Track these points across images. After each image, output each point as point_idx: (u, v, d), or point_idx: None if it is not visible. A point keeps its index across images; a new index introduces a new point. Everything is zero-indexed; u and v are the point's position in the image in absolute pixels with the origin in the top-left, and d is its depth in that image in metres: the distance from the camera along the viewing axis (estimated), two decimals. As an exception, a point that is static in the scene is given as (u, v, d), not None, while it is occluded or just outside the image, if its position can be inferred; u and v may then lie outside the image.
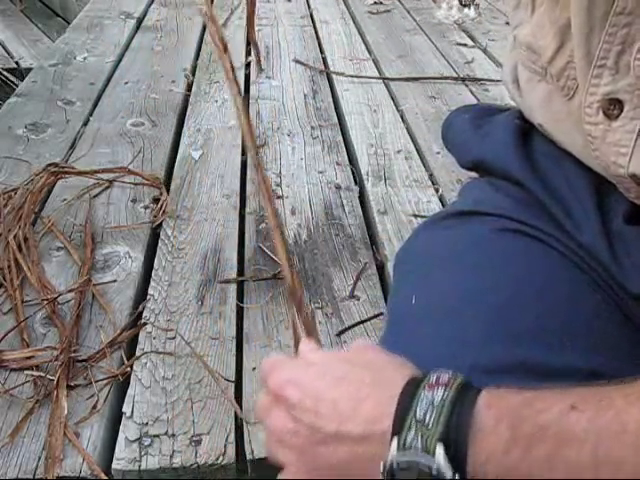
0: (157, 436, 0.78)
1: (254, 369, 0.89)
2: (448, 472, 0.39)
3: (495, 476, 0.39)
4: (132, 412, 0.81)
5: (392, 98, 1.76)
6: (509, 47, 0.65)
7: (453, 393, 0.40)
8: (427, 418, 0.39)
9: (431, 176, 1.39)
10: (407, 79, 1.87)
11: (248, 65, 1.95)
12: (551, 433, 0.38)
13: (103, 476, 0.74)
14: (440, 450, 0.39)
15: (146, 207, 1.23)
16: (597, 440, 0.37)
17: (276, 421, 0.46)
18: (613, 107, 0.49)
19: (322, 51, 2.09)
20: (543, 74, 0.58)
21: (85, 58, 1.95)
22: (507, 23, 0.66)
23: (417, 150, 1.50)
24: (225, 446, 0.77)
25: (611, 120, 0.49)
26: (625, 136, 0.49)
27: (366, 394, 0.43)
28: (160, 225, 1.19)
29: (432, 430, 0.39)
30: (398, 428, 0.40)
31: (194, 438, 0.78)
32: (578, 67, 0.51)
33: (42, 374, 0.84)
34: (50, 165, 1.33)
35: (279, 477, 0.47)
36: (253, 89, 1.79)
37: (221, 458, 0.76)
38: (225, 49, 0.55)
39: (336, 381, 0.44)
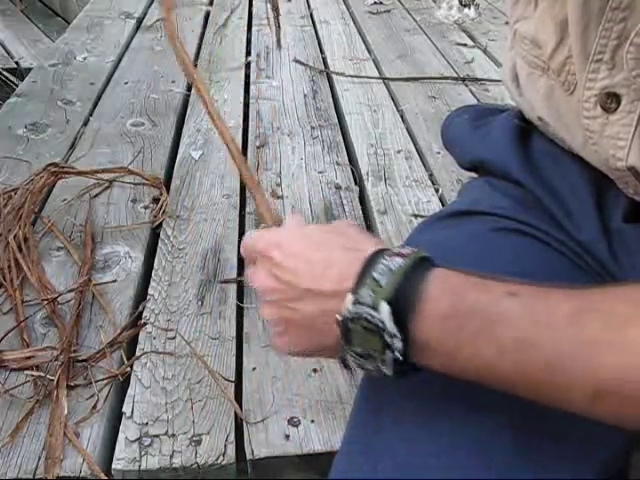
0: (157, 436, 0.78)
1: (254, 369, 0.89)
2: (390, 327, 0.44)
3: (430, 344, 0.44)
4: (132, 412, 0.81)
5: (392, 98, 1.76)
6: (508, 46, 0.65)
7: (409, 263, 0.45)
8: (381, 280, 0.45)
9: (431, 176, 1.39)
10: (407, 79, 1.87)
11: (248, 65, 1.95)
12: (484, 312, 0.42)
13: (103, 476, 0.74)
14: (385, 307, 0.44)
15: (146, 207, 1.23)
16: (524, 325, 0.41)
17: (261, 280, 0.52)
18: (610, 101, 0.49)
19: (322, 51, 2.09)
20: (545, 68, 0.58)
21: (85, 58, 1.95)
22: (507, 23, 0.66)
23: (417, 150, 1.50)
24: (225, 446, 0.77)
25: (609, 114, 0.50)
26: (623, 129, 0.49)
27: (338, 257, 0.49)
28: (160, 225, 1.19)
29: (383, 289, 0.44)
30: (356, 286, 0.46)
31: (194, 438, 0.78)
32: (576, 62, 0.51)
33: (42, 374, 0.84)
34: (50, 165, 1.33)
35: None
36: (253, 89, 1.79)
37: (221, 458, 0.76)
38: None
39: (315, 246, 0.51)
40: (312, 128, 1.59)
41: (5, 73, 2.57)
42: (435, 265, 0.46)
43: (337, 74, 1.89)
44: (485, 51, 2.11)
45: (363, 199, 1.32)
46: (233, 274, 1.07)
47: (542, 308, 0.41)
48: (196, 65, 1.95)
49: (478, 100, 1.75)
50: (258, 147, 1.49)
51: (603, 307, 0.40)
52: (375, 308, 0.44)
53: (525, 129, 0.65)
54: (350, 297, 0.45)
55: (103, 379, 0.85)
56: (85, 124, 1.56)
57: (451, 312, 0.43)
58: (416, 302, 0.44)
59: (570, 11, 0.50)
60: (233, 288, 1.04)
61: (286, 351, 0.54)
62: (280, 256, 0.51)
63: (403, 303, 0.44)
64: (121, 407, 0.82)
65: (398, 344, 0.44)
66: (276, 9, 1.84)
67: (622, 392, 0.38)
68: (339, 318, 0.46)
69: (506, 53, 0.66)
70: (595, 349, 0.39)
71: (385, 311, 0.44)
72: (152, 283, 1.04)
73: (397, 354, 0.44)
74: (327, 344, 0.49)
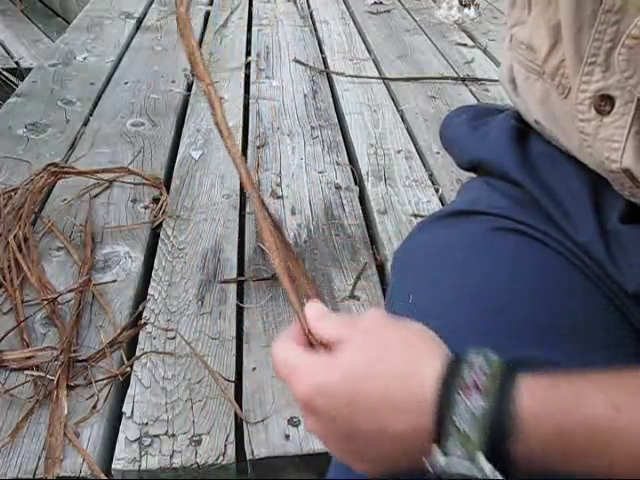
0: (157, 436, 0.78)
1: (254, 369, 0.89)
2: (491, 472, 0.39)
3: (531, 466, 0.40)
4: (132, 412, 0.81)
5: (392, 98, 1.76)
6: (506, 47, 0.65)
7: (492, 402, 0.40)
8: (468, 430, 0.40)
9: (431, 176, 1.39)
10: (407, 79, 1.87)
11: (248, 65, 1.95)
12: (591, 430, 0.39)
13: (103, 476, 0.74)
14: (481, 457, 0.39)
15: (146, 207, 1.23)
16: (635, 442, 0.39)
17: (315, 428, 0.45)
18: (604, 103, 0.50)
19: (322, 51, 2.09)
20: (541, 72, 0.58)
21: (85, 58, 1.96)
22: (507, 23, 0.67)
23: (417, 150, 1.50)
24: (225, 446, 0.77)
25: (603, 116, 0.50)
26: (617, 131, 0.49)
27: (400, 391, 0.42)
28: (160, 225, 1.19)
29: (473, 443, 0.39)
30: (438, 435, 0.40)
31: (194, 438, 0.78)
32: (569, 65, 0.51)
33: (42, 374, 0.84)
34: (50, 165, 1.33)
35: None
36: (253, 89, 1.79)
37: (221, 458, 0.76)
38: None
39: (366, 381, 0.43)
40: (312, 128, 1.59)
41: (5, 73, 2.57)
42: (516, 378, 0.41)
43: (337, 74, 1.89)
44: (485, 51, 2.11)
45: (363, 199, 1.32)
46: (233, 274, 1.07)
47: None
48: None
49: (478, 100, 1.75)
50: (258, 147, 1.49)
51: None
52: (471, 460, 0.40)
53: (523, 130, 0.65)
54: (437, 450, 0.40)
55: (103, 379, 0.86)
56: (85, 124, 1.56)
57: (554, 436, 0.39)
58: (511, 441, 0.39)
59: (563, 15, 0.50)
60: (233, 288, 1.04)
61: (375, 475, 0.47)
62: (330, 405, 0.43)
63: (500, 449, 0.39)
64: (121, 407, 0.82)
65: (499, 476, 0.40)
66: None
67: None
68: (430, 470, 0.41)
69: (504, 54, 0.67)
70: None
71: (482, 461, 0.39)
72: (152, 283, 1.04)
73: None
74: (415, 462, 0.43)
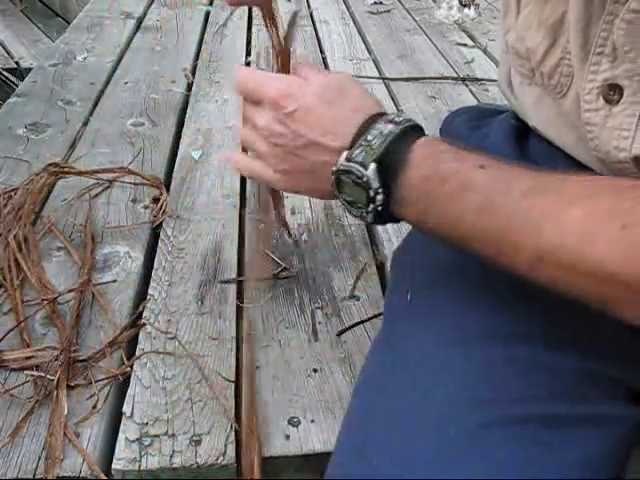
0: (157, 436, 0.78)
1: (257, 368, 0.89)
2: (375, 182, 0.52)
3: (409, 200, 0.52)
4: (132, 412, 0.81)
5: (392, 98, 1.76)
6: (502, 50, 0.65)
7: (400, 129, 0.53)
8: (373, 142, 0.53)
9: (431, 176, 1.39)
10: (407, 79, 1.87)
11: (248, 65, 1.95)
12: (456, 178, 0.50)
13: (103, 476, 0.74)
14: (373, 166, 0.52)
15: (146, 207, 1.23)
16: (487, 192, 0.48)
17: (268, 121, 0.58)
18: (613, 92, 0.50)
19: (322, 51, 2.09)
20: (532, 76, 0.58)
21: (85, 58, 1.95)
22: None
23: (417, 150, 1.49)
24: (225, 446, 0.77)
25: (612, 105, 0.50)
26: (626, 120, 0.50)
27: (346, 117, 0.56)
28: (160, 225, 1.19)
29: (373, 151, 0.52)
30: (351, 145, 0.54)
31: (194, 438, 0.78)
32: (575, 58, 0.52)
33: (42, 374, 0.84)
34: (50, 165, 1.33)
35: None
36: (253, 89, 1.79)
37: (221, 458, 0.76)
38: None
39: (327, 103, 0.57)
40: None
41: (5, 73, 2.57)
42: (423, 134, 0.54)
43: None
44: (485, 51, 2.11)
45: (363, 199, 1.32)
46: (233, 274, 1.07)
47: (504, 182, 0.48)
48: (196, 65, 1.95)
49: (478, 100, 1.75)
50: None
51: (556, 188, 0.46)
52: (364, 166, 0.52)
53: (523, 130, 0.65)
54: (345, 153, 0.54)
55: (103, 379, 0.86)
56: (85, 124, 1.56)
57: (429, 175, 0.51)
58: (400, 164, 0.52)
59: (572, 7, 0.50)
60: (233, 288, 1.04)
61: (281, 188, 0.65)
62: (294, 107, 0.57)
63: (389, 164, 0.52)
64: (121, 407, 0.82)
65: (380, 197, 0.52)
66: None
67: (558, 258, 0.43)
68: (334, 169, 0.55)
69: (501, 58, 0.67)
70: (540, 221, 0.44)
71: (372, 170, 0.52)
72: (152, 283, 1.04)
73: (378, 206, 0.53)
74: (320, 188, 0.58)
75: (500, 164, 0.50)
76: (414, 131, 0.54)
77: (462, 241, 0.50)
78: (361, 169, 0.52)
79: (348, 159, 0.54)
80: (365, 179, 0.52)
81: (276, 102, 0.58)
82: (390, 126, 0.53)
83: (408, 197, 0.52)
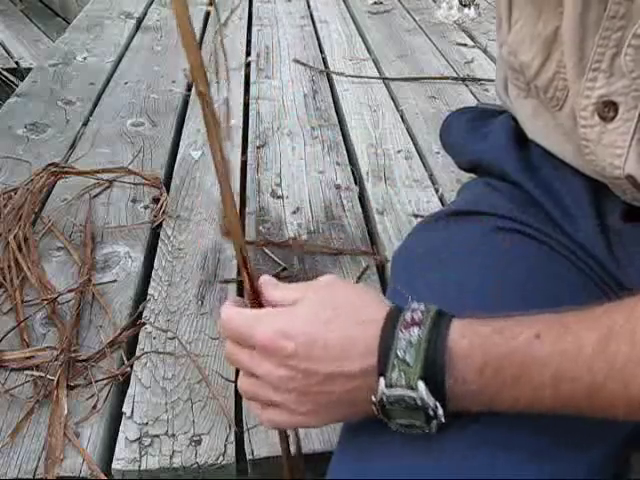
0: (157, 436, 0.78)
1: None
2: (431, 402, 0.45)
3: (470, 397, 0.45)
4: (132, 412, 0.81)
5: (392, 98, 1.76)
6: (498, 56, 0.65)
7: (427, 331, 0.45)
8: (407, 357, 0.45)
9: (431, 176, 1.39)
10: (407, 79, 1.87)
11: (248, 65, 1.95)
12: (518, 357, 0.44)
13: (103, 476, 0.74)
14: (422, 385, 0.44)
15: (146, 207, 1.23)
16: (557, 363, 0.43)
17: (269, 368, 0.48)
18: (608, 109, 0.50)
19: (322, 51, 2.09)
20: (527, 90, 0.58)
21: (85, 58, 1.95)
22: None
23: (417, 150, 1.50)
24: (225, 446, 0.77)
25: (606, 122, 0.50)
26: (620, 137, 0.49)
27: (354, 335, 0.47)
28: (160, 225, 1.19)
29: (413, 369, 0.44)
30: (383, 367, 0.46)
31: (194, 438, 0.78)
32: (571, 73, 0.51)
33: (42, 374, 0.84)
34: (50, 165, 1.33)
35: (266, 417, 0.52)
36: (253, 89, 1.79)
37: (221, 458, 0.76)
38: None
39: (325, 326, 0.47)
40: (312, 128, 1.59)
41: (5, 73, 2.57)
42: (451, 318, 0.46)
43: (337, 74, 1.89)
44: (485, 51, 2.11)
45: (363, 199, 1.32)
46: (233, 274, 1.07)
47: (570, 344, 0.43)
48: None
49: (478, 100, 1.75)
50: (258, 147, 1.49)
51: (623, 329, 0.42)
52: (412, 388, 0.45)
53: (522, 130, 0.65)
54: (382, 381, 0.45)
55: (103, 379, 0.86)
56: (85, 124, 1.56)
57: (483, 366, 0.44)
58: (446, 369, 0.44)
59: (566, 23, 0.50)
60: (233, 288, 1.04)
61: (315, 426, 0.52)
62: (292, 346, 0.47)
63: (434, 375, 0.44)
64: (121, 407, 0.82)
65: (440, 412, 0.45)
66: None
67: None
68: (375, 400, 0.46)
69: (498, 64, 0.67)
70: (628, 371, 0.41)
71: (422, 389, 0.44)
72: (152, 283, 1.04)
73: (441, 419, 0.45)
74: (360, 411, 0.49)
75: (552, 324, 0.44)
76: (439, 322, 0.46)
77: (542, 413, 0.45)
78: (410, 393, 0.45)
79: (389, 385, 0.45)
80: (419, 402, 0.45)
81: (270, 348, 0.48)
82: (415, 331, 0.45)
83: (467, 394, 0.45)
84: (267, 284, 0.53)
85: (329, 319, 0.48)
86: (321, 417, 0.50)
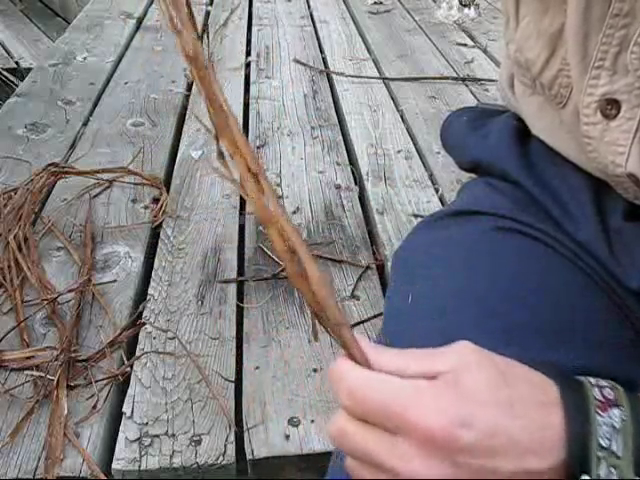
0: (157, 436, 0.78)
1: (257, 368, 0.89)
2: None
3: None
4: (132, 412, 0.81)
5: (392, 98, 1.76)
6: (505, 55, 0.65)
7: (629, 411, 0.37)
8: (612, 445, 0.36)
9: (431, 176, 1.39)
10: (407, 79, 1.87)
11: (248, 65, 1.95)
12: None
13: (103, 476, 0.74)
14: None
15: (146, 207, 1.23)
16: None
17: (429, 465, 0.36)
18: (610, 107, 0.50)
19: (322, 51, 2.09)
20: (533, 86, 0.58)
21: (85, 58, 1.95)
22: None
23: (417, 150, 1.50)
24: (225, 446, 0.77)
25: (609, 120, 0.50)
26: (622, 135, 0.49)
27: (537, 420, 0.37)
28: (160, 225, 1.19)
29: (624, 461, 0.36)
30: (582, 462, 0.36)
31: (194, 438, 0.78)
32: (574, 71, 0.51)
33: (42, 374, 0.84)
34: (50, 165, 1.33)
35: None
36: (253, 89, 1.79)
37: (221, 458, 0.76)
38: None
39: (507, 409, 0.36)
40: (312, 128, 1.59)
41: (5, 73, 2.57)
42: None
43: (337, 74, 1.89)
44: (485, 51, 2.11)
45: (363, 199, 1.32)
46: (233, 274, 1.07)
47: None
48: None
49: (478, 100, 1.75)
50: (258, 147, 1.49)
51: None
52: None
53: (524, 131, 0.65)
54: (587, 478, 0.36)
55: (103, 379, 0.85)
56: (85, 124, 1.56)
57: None
58: None
59: (569, 20, 0.50)
60: (233, 288, 1.04)
61: None
62: (471, 437, 0.35)
63: None
64: (121, 407, 0.82)
65: None
66: None
67: None
68: None
69: (504, 61, 0.67)
70: None
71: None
72: (152, 283, 1.04)
73: None
74: None
75: None
76: (634, 400, 0.38)
77: None
78: None
79: None
80: None
81: (440, 439, 0.35)
82: (615, 413, 0.37)
83: None
84: (368, 347, 0.39)
85: (511, 400, 0.37)
86: None
